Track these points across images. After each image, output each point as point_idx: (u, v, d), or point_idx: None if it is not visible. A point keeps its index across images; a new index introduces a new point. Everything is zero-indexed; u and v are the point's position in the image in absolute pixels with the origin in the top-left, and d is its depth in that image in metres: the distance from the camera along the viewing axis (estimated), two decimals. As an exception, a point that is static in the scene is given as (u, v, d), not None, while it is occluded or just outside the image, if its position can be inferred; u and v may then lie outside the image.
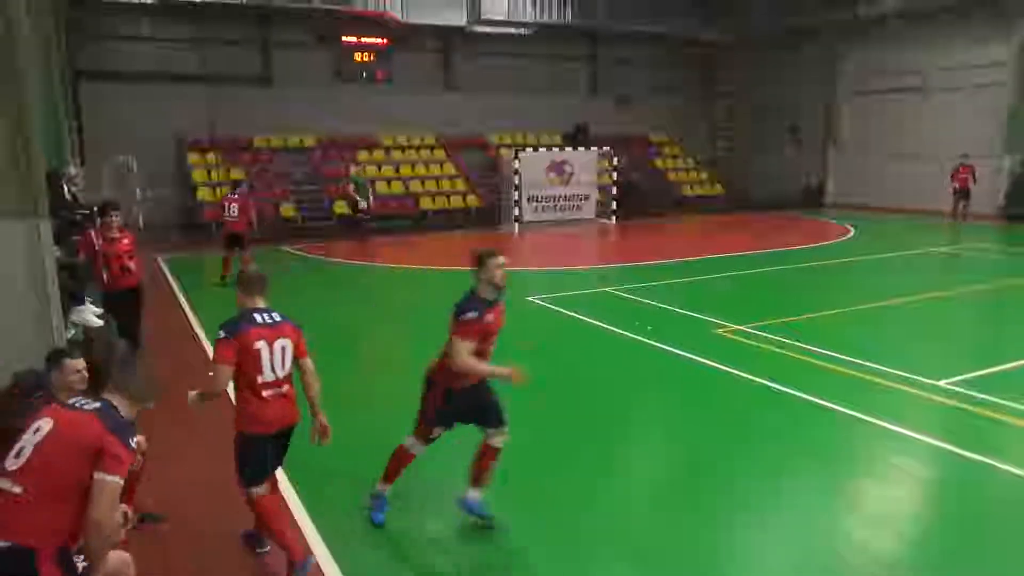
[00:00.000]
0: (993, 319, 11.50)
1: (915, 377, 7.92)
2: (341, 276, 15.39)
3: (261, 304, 4.61)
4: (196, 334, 10.20)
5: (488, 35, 25.79)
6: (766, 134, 29.99)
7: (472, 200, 24.13)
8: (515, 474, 5.92)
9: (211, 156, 22.61)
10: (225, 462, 5.95)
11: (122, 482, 3.25)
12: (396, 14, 23.19)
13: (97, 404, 3.41)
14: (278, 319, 4.57)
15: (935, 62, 24.28)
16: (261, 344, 4.43)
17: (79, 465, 3.20)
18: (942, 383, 7.72)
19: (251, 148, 23.60)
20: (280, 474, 5.72)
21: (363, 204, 18.39)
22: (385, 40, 25.17)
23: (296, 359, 4.61)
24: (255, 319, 4.50)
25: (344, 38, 24.64)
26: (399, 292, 13.84)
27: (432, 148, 26.08)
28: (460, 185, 24.67)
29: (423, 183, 24.27)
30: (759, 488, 5.63)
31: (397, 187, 23.92)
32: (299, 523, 5.11)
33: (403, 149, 25.66)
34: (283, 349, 4.52)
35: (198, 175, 22.09)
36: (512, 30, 25.78)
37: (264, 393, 4.47)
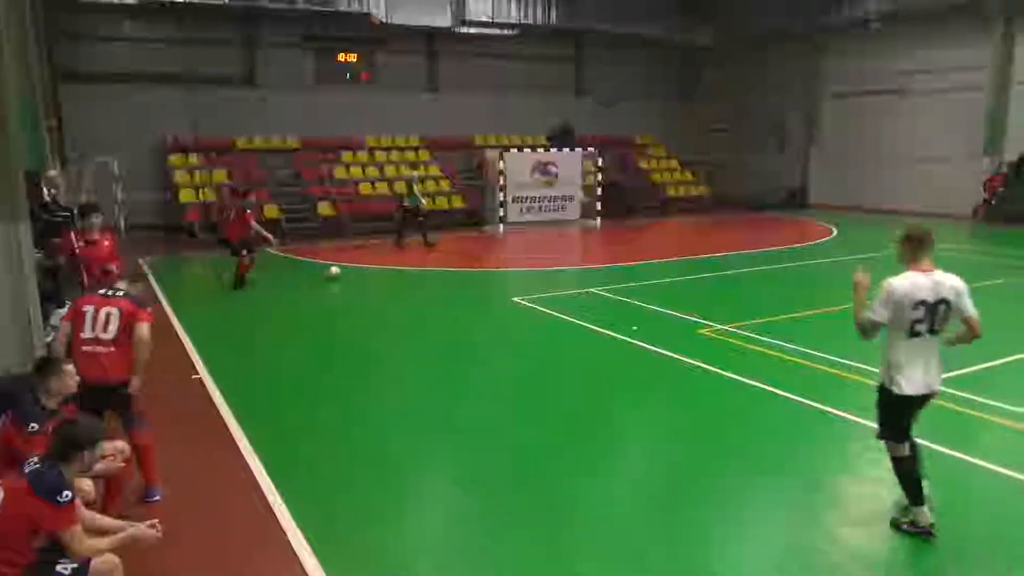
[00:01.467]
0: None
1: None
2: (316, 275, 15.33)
3: (121, 286, 5.59)
4: (177, 334, 10.14)
5: (472, 36, 25.78)
6: (750, 135, 30.18)
7: (457, 201, 24.11)
8: (501, 475, 5.93)
9: (193, 157, 22.48)
10: (201, 457, 5.94)
11: (74, 527, 3.64)
12: (380, 15, 23.13)
13: (36, 467, 3.69)
14: (119, 294, 5.42)
15: (915, 64, 24.52)
16: (88, 307, 5.31)
17: (25, 528, 3.58)
18: (922, 381, 7.79)
19: (234, 149, 23.48)
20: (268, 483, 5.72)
21: (410, 204, 18.40)
22: (369, 41, 25.11)
23: (131, 325, 5.27)
24: (97, 290, 5.62)
25: (328, 39, 24.56)
26: (386, 291, 13.80)
27: (417, 149, 26.03)
28: (445, 186, 24.64)
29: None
30: (743, 485, 5.66)
31: (382, 188, 23.85)
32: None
33: (387, 150, 25.60)
34: (108, 315, 5.25)
35: (180, 177, 21.93)
36: (496, 31, 25.78)
37: (82, 348, 5.22)
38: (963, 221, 22.59)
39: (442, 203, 23.87)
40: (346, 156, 24.57)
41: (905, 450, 4.80)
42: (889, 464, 4.96)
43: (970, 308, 4.78)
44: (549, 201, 23.69)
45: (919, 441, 5.02)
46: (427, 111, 26.28)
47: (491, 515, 5.31)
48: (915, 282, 4.62)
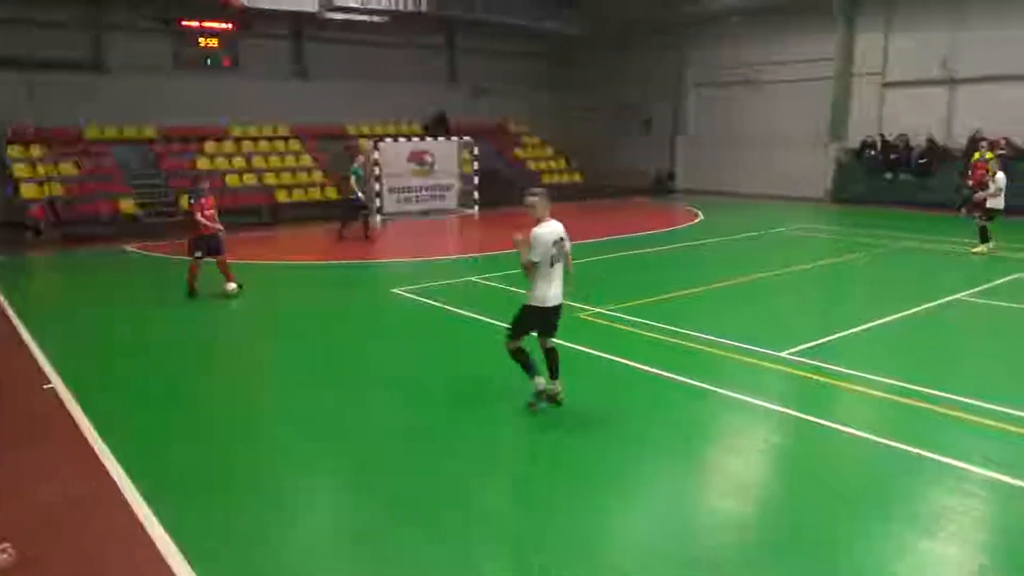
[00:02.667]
0: (824, 293, 12.54)
1: (760, 349, 8.48)
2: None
3: None
4: (22, 340, 9.32)
5: (341, 21, 25.08)
6: (620, 124, 31.15)
7: (331, 192, 23.45)
8: (386, 470, 5.81)
9: (36, 149, 20.69)
10: (59, 470, 5.52)
11: None
12: (241, -3, 22.09)
13: None
14: None
15: (770, 56, 26.11)
16: None
17: None
18: (784, 354, 8.31)
19: (82, 139, 21.80)
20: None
21: (360, 195, 17.81)
22: (230, 24, 23.94)
23: None
24: None
25: (184, 22, 23.22)
26: (256, 287, 13.21)
27: (286, 139, 25.10)
28: (317, 177, 23.91)
29: (277, 175, 23.31)
30: (620, 462, 5.82)
31: (250, 179, 22.83)
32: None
33: (255, 140, 24.53)
34: None
35: (21, 170, 20.10)
36: (365, 17, 25.20)
37: None
38: (814, 203, 24.34)
39: (314, 194, 23.17)
40: (210, 146, 23.36)
41: (520, 343, 6.75)
42: (760, 434, 5.19)
43: (569, 247, 6.81)
44: (426, 191, 23.52)
45: (788, 411, 5.27)
46: (296, 99, 25.41)
47: (383, 512, 5.18)
48: (550, 229, 6.59)
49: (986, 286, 11.78)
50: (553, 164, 29.64)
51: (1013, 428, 6.27)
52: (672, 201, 26.46)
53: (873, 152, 23.75)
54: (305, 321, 10.60)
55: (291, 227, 20.61)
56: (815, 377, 7.66)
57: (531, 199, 6.70)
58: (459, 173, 24.16)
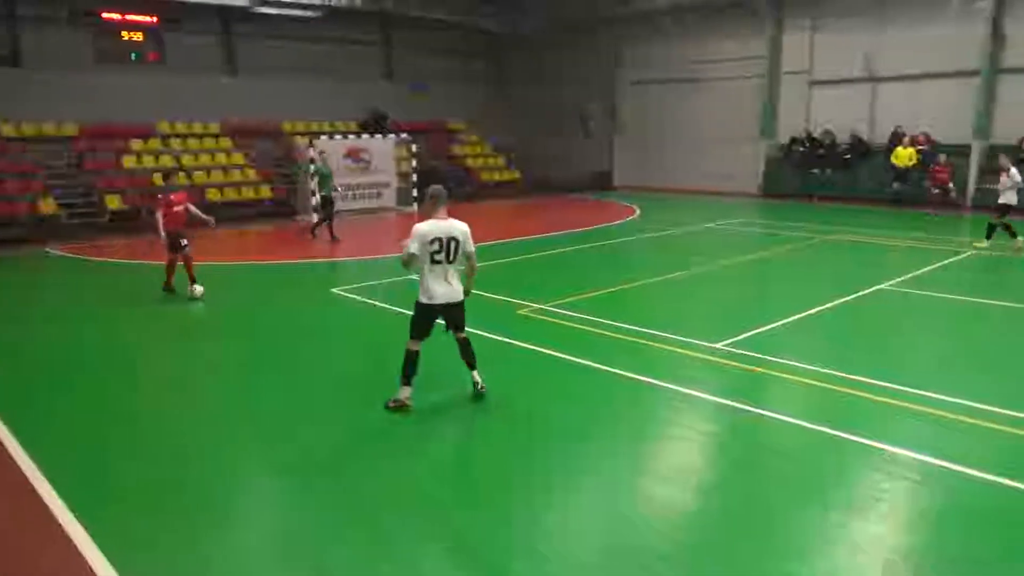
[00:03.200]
0: (757, 285, 12.85)
1: (697, 341, 8.64)
2: (116, 278, 13.97)
3: None
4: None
5: (273, 16, 24.52)
6: (558, 121, 31.31)
7: (265, 191, 22.92)
8: (328, 471, 5.70)
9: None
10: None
11: None
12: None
13: None
14: None
15: (704, 55, 26.64)
16: None
17: None
18: (720, 345, 8.48)
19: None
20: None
21: (324, 193, 17.67)
22: (155, 18, 23.14)
23: None
24: None
25: (105, 14, 22.33)
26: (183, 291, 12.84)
27: (217, 136, 24.39)
28: (251, 175, 23.32)
29: (209, 174, 22.64)
30: (563, 456, 5.83)
31: (179, 179, 22.03)
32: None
33: (184, 138, 23.75)
34: None
35: (-69, 169, 19.06)
36: (299, 12, 24.71)
37: None
38: (748, 198, 24.95)
39: (248, 194, 22.60)
40: (136, 144, 22.52)
41: (417, 346, 6.69)
42: (699, 424, 5.29)
43: (470, 247, 6.63)
44: (364, 189, 23.23)
45: (724, 401, 5.36)
46: (227, 95, 24.72)
47: (323, 513, 5.07)
48: (434, 225, 6.44)
49: (909, 276, 12.26)
50: (491, 162, 29.61)
51: (937, 412, 6.53)
52: (610, 198, 26.76)
53: (802, 148, 24.47)
54: (245, 322, 10.33)
55: (225, 226, 20.01)
56: (751, 368, 7.83)
57: (428, 194, 6.65)
58: (397, 171, 23.93)
